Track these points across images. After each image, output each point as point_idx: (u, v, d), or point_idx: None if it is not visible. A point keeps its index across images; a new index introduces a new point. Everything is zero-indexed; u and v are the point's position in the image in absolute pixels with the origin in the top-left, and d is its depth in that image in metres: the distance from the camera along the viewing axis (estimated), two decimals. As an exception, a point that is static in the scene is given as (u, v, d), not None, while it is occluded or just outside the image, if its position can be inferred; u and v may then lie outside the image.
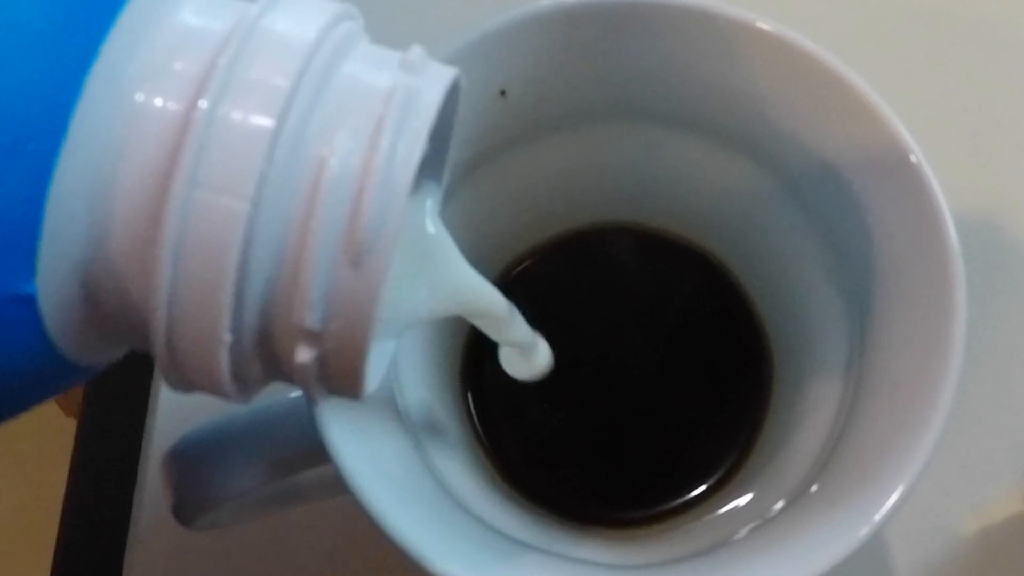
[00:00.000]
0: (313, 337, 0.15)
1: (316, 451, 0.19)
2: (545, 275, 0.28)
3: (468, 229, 0.25)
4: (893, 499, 0.19)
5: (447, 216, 0.21)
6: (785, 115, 0.23)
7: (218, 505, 0.21)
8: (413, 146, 0.15)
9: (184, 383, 0.16)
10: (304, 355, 0.16)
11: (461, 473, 0.23)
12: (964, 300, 0.20)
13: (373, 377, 0.18)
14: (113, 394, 0.32)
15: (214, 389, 0.16)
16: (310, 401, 0.18)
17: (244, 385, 0.17)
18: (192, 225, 0.14)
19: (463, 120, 0.19)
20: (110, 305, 0.15)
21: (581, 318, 0.27)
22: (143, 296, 0.15)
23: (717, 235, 0.27)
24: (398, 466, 0.21)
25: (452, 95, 0.18)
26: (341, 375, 0.16)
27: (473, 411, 0.27)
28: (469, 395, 0.27)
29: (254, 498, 0.23)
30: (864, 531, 0.18)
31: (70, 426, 0.32)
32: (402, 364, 0.23)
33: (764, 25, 0.22)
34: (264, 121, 0.15)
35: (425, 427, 0.23)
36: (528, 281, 0.28)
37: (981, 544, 0.28)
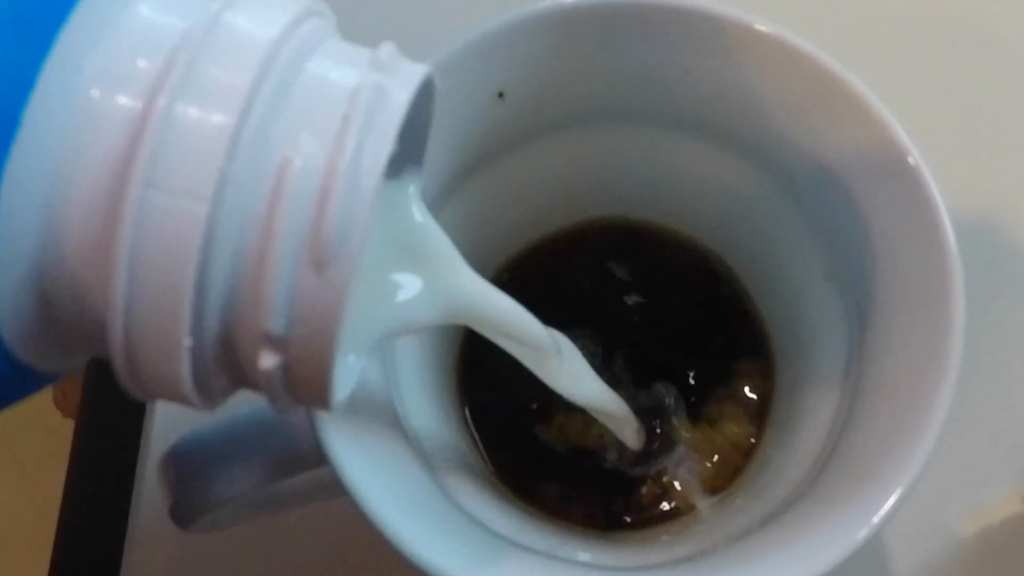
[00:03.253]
0: (277, 343, 0.15)
1: (314, 453, 0.19)
2: (544, 275, 0.28)
3: (467, 230, 0.25)
4: (892, 500, 0.19)
5: (445, 217, 0.21)
6: (783, 117, 0.23)
7: (216, 507, 0.21)
8: (380, 148, 0.15)
9: (143, 391, 0.16)
10: (268, 361, 0.15)
11: (459, 475, 0.23)
12: (962, 301, 0.20)
13: (343, 387, 0.17)
14: (112, 396, 0.32)
15: (175, 396, 0.16)
16: (277, 411, 0.17)
17: (208, 393, 0.16)
18: (149, 228, 0.14)
19: (461, 122, 0.19)
20: (67, 311, 0.15)
21: (580, 319, 0.27)
22: (99, 302, 0.14)
23: (717, 236, 0.27)
24: (396, 468, 0.21)
25: (427, 90, 0.17)
26: (307, 384, 0.16)
27: (469, 415, 0.27)
28: (466, 400, 0.27)
29: (252, 500, 0.23)
30: (863, 532, 0.18)
31: (68, 427, 0.32)
32: (401, 368, 0.23)
33: (762, 27, 0.22)
34: (224, 120, 0.14)
35: (422, 430, 0.23)
36: (527, 281, 0.28)
37: (980, 545, 0.28)
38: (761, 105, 0.23)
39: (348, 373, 0.18)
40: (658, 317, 0.28)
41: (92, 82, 0.14)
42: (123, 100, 0.14)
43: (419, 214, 0.19)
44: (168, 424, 0.29)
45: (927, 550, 0.28)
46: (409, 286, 0.19)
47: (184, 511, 0.22)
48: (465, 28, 0.22)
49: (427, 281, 0.19)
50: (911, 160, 0.21)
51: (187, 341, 0.14)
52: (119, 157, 0.14)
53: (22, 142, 0.13)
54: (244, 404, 0.22)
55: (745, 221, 0.26)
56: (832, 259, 0.24)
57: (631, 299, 0.28)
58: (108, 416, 0.32)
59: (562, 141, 0.26)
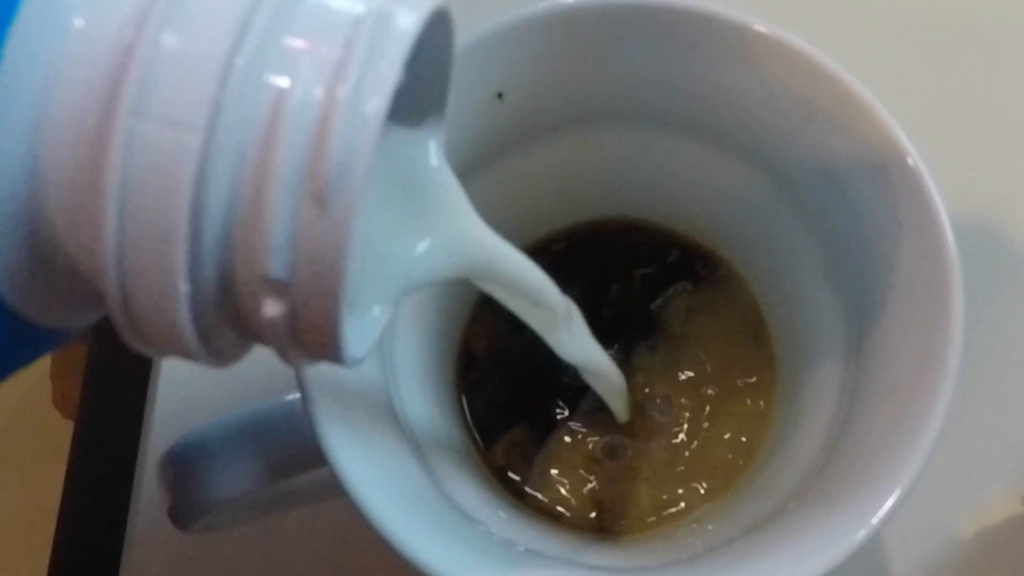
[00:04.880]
0: (279, 288, 0.14)
1: (313, 454, 0.19)
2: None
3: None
4: (890, 502, 0.19)
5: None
6: (783, 117, 0.23)
7: (214, 508, 0.21)
8: (386, 75, 0.14)
9: (145, 342, 0.15)
10: (271, 309, 0.14)
11: (458, 476, 0.23)
12: (961, 302, 0.20)
13: (362, 341, 0.16)
14: (111, 397, 0.32)
15: (178, 349, 0.15)
16: (288, 364, 0.16)
17: (214, 347, 0.15)
18: (138, 161, 0.13)
19: (460, 123, 0.19)
20: (60, 258, 0.14)
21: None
22: (90, 244, 0.13)
23: (716, 236, 0.27)
24: (395, 469, 0.21)
25: (444, 27, 0.16)
26: (315, 333, 0.15)
27: (468, 414, 0.27)
28: (463, 398, 0.27)
29: (250, 501, 0.23)
30: (861, 534, 0.18)
31: (68, 428, 0.32)
32: (399, 368, 0.23)
33: (762, 27, 0.22)
34: (217, 45, 0.13)
35: (421, 430, 0.23)
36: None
37: (979, 546, 0.28)
38: (760, 106, 0.23)
39: (371, 325, 0.17)
40: (658, 319, 0.28)
41: (75, 11, 0.13)
42: (109, 28, 0.13)
43: (435, 158, 0.19)
44: (167, 425, 0.29)
45: (926, 551, 0.28)
46: (427, 235, 0.18)
47: (183, 512, 0.22)
48: (464, 29, 0.22)
49: (445, 230, 0.19)
50: (910, 161, 0.21)
51: (184, 287, 0.14)
52: (106, 87, 0.13)
53: (3, 77, 0.13)
54: (243, 404, 0.22)
55: (744, 221, 0.26)
56: (831, 259, 0.24)
57: (631, 299, 0.28)
58: (107, 417, 0.32)
59: (561, 141, 0.26)
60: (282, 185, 0.13)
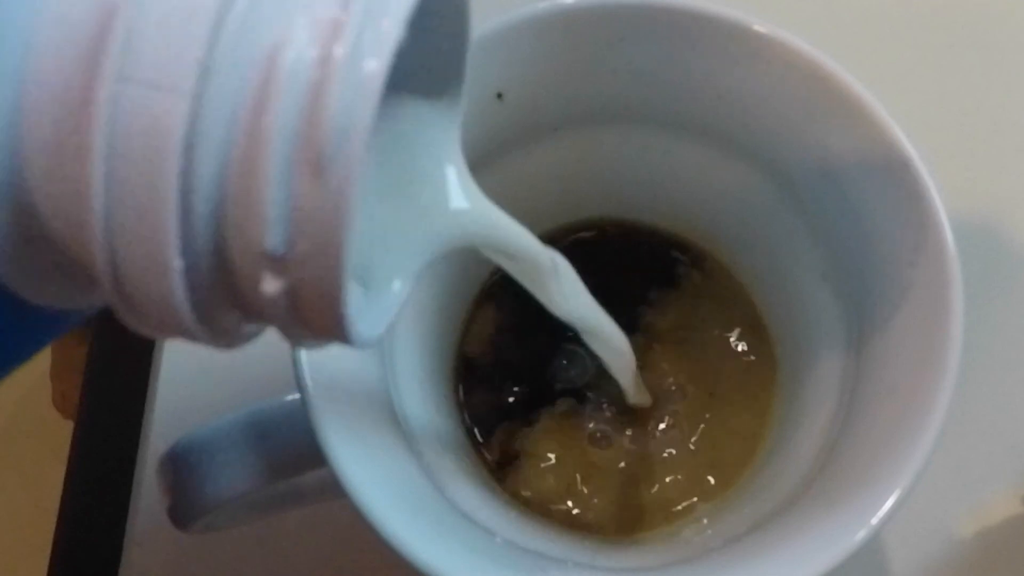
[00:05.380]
0: (277, 263, 0.13)
1: (313, 454, 0.19)
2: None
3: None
4: (890, 502, 0.19)
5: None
6: (781, 118, 0.23)
7: (214, 508, 0.21)
8: (387, 32, 0.13)
9: (142, 323, 0.14)
10: (270, 285, 0.13)
11: (458, 476, 0.23)
12: (961, 303, 0.20)
13: (379, 318, 0.16)
14: (111, 397, 0.32)
15: (177, 329, 0.14)
16: (298, 346, 0.15)
17: (216, 327, 0.14)
18: (123, 129, 0.12)
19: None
20: (48, 235, 0.13)
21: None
22: (78, 218, 0.13)
23: (715, 237, 0.27)
24: (395, 469, 0.21)
25: None
26: (318, 310, 0.14)
27: (467, 414, 0.27)
28: (462, 399, 0.27)
29: (250, 501, 0.23)
30: (861, 534, 0.18)
31: (68, 428, 0.32)
32: (399, 368, 0.23)
33: (761, 28, 0.22)
34: (204, 4, 0.12)
35: (421, 430, 0.23)
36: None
37: (979, 546, 0.28)
38: (760, 106, 0.23)
39: (390, 301, 0.17)
40: (658, 319, 0.28)
41: None
42: None
43: (454, 131, 0.18)
44: (167, 425, 0.29)
45: (926, 551, 0.28)
46: (434, 205, 0.18)
47: (183, 512, 0.22)
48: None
49: (448, 202, 0.18)
50: (910, 161, 0.21)
51: (178, 262, 0.13)
52: (88, 51, 0.12)
53: None
54: (243, 404, 0.22)
55: (744, 221, 0.26)
56: (831, 260, 0.24)
57: (631, 299, 0.28)
58: (107, 417, 0.32)
59: (561, 142, 0.26)
60: (276, 152, 0.13)
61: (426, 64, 0.17)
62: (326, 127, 0.13)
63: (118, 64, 0.12)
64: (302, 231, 0.13)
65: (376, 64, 0.13)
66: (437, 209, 0.18)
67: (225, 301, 0.14)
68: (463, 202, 0.18)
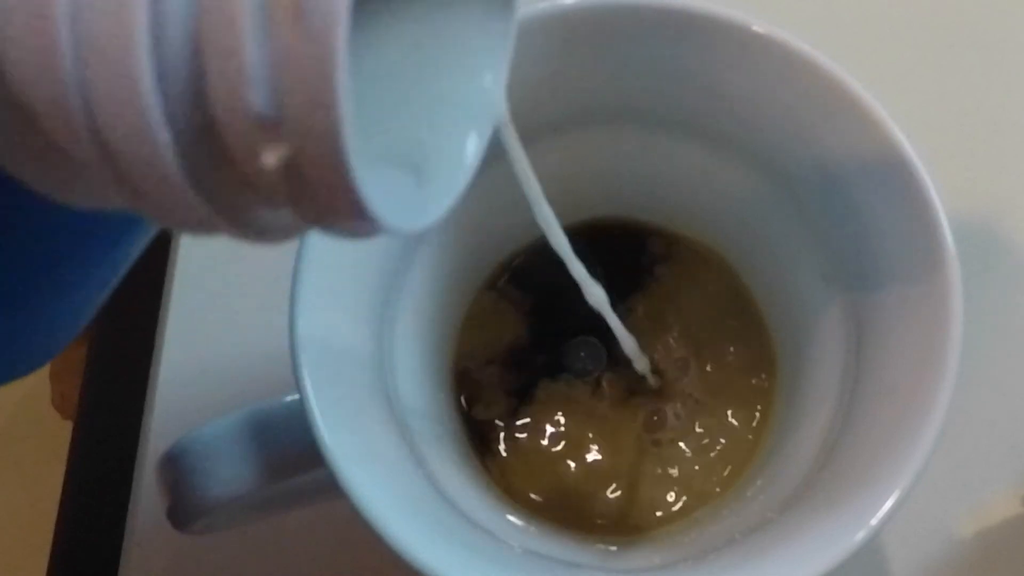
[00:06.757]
0: (272, 129, 0.12)
1: (313, 454, 0.19)
2: (544, 276, 0.28)
3: (466, 230, 0.25)
4: (890, 503, 0.19)
5: (445, 217, 0.21)
6: (782, 118, 0.23)
7: (214, 508, 0.21)
8: None
9: (144, 201, 0.13)
10: (269, 156, 0.12)
11: (457, 477, 0.23)
12: (960, 303, 0.20)
13: (434, 207, 0.15)
14: (111, 397, 0.32)
15: (188, 212, 0.13)
16: (329, 234, 0.14)
17: (233, 214, 0.13)
18: None
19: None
20: (24, 106, 0.12)
21: (581, 320, 0.27)
22: (52, 92, 0.12)
23: (715, 237, 0.27)
24: (394, 469, 0.21)
25: None
26: (327, 183, 0.12)
27: (466, 414, 0.27)
28: (462, 399, 0.27)
29: (250, 502, 0.23)
30: (861, 535, 0.18)
31: (67, 429, 0.32)
32: (399, 369, 0.23)
33: (761, 28, 0.22)
34: None
35: (421, 432, 0.23)
36: (527, 282, 0.28)
37: (979, 546, 0.28)
38: (760, 107, 0.23)
39: (464, 162, 0.15)
40: (657, 319, 0.28)
41: None
42: None
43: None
44: (166, 426, 0.29)
45: (926, 552, 0.28)
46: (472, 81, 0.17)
47: (183, 512, 0.22)
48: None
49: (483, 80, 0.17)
50: (909, 161, 0.21)
51: (164, 135, 0.12)
52: None
53: None
54: (243, 404, 0.22)
55: (743, 221, 0.26)
56: (830, 260, 0.24)
57: (631, 299, 0.28)
58: (106, 417, 0.32)
59: (561, 142, 0.26)
60: None
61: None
62: None
63: None
64: (290, 87, 0.12)
65: None
66: (474, 86, 0.17)
67: (230, 179, 0.13)
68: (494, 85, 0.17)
